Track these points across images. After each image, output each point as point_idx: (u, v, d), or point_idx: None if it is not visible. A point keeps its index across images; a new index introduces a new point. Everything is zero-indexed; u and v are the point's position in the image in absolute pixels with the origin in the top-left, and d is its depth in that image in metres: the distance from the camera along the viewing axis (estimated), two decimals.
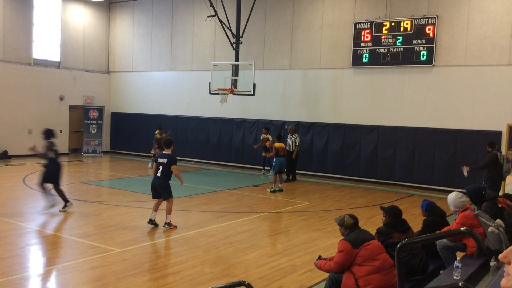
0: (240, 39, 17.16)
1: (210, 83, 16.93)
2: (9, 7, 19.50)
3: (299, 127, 17.56)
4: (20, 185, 13.54)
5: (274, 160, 13.94)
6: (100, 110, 22.82)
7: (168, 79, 21.55)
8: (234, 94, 16.79)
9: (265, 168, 17.23)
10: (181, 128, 20.78)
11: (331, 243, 8.37)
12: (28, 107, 20.14)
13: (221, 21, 16.94)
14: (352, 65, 16.54)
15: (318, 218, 10.70)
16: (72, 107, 21.99)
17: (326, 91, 17.35)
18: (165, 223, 9.11)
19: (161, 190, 9.15)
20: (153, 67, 22.00)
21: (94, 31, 22.82)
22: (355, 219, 5.29)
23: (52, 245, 8.19)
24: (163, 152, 9.43)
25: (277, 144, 14.18)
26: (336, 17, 16.98)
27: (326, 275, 5.59)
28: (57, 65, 21.44)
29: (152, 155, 17.91)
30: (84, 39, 22.42)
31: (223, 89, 16.54)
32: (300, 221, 10.41)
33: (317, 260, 5.44)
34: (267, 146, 16.24)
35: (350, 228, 5.24)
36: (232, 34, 17.15)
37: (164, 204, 9.28)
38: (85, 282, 6.40)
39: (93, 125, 22.47)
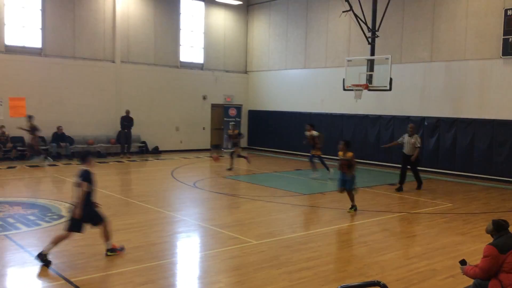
0: (376, 32, 16.66)
1: (344, 79, 16.74)
2: (159, 15, 21.47)
3: (440, 123, 16.51)
4: (169, 178, 14.83)
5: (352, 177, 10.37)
6: (239, 108, 23.98)
7: (302, 77, 21.81)
8: (369, 90, 16.37)
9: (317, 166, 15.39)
10: (315, 125, 20.83)
11: (476, 249, 7.73)
12: (175, 107, 22.00)
13: (356, 16, 16.63)
14: (503, 55, 15.03)
15: (462, 221, 9.95)
16: (213, 106, 23.46)
17: (471, 84, 16.02)
18: (107, 250, 7.11)
19: (86, 218, 6.87)
20: (288, 65, 22.44)
21: (233, 33, 24.03)
22: (496, 224, 4.94)
23: (196, 234, 8.85)
24: (80, 167, 7.08)
25: (350, 154, 10.25)
26: (483, 3, 15.57)
27: (470, 281, 5.20)
28: (200, 67, 23.04)
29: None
30: (224, 42, 23.75)
31: (357, 85, 16.23)
32: (441, 223, 9.79)
33: (461, 265, 5.11)
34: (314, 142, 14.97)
35: (496, 233, 4.91)
36: (368, 28, 16.72)
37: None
38: (225, 270, 6.79)
39: (232, 123, 23.66)
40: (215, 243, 8.06)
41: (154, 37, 21.43)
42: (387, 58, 15.78)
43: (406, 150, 13.27)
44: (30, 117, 16.93)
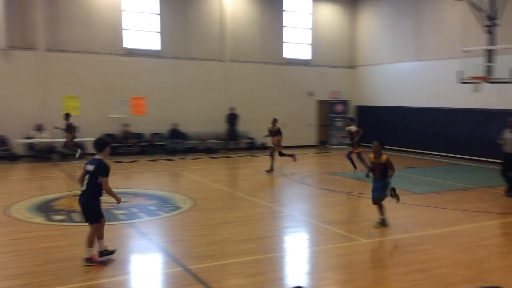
0: (496, 20, 15.38)
1: (460, 71, 15.71)
2: (265, 13, 21.91)
3: None
4: (276, 173, 15.00)
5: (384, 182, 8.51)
6: (345, 104, 23.60)
7: (414, 70, 20.85)
8: (489, 83, 15.18)
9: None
10: (428, 120, 19.91)
11: None
12: (281, 103, 22.24)
13: (472, 3, 15.49)
14: None
15: None
16: (319, 102, 23.36)
17: None
18: (85, 259, 6.37)
19: (84, 211, 6.51)
20: (398, 58, 21.59)
21: (339, 28, 23.72)
22: None
23: (304, 229, 8.90)
24: (94, 156, 6.59)
25: (385, 157, 8.43)
26: None
27: None
28: (306, 63, 23.06)
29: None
30: (330, 37, 23.52)
31: (475, 78, 15.14)
32: None
33: None
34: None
35: None
36: (486, 16, 15.49)
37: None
38: (334, 267, 6.75)
39: (339, 119, 23.41)
40: (323, 240, 8.04)
41: (260, 35, 21.88)
42: (509, 48, 14.51)
43: (509, 148, 11.59)
44: (67, 116, 16.56)
